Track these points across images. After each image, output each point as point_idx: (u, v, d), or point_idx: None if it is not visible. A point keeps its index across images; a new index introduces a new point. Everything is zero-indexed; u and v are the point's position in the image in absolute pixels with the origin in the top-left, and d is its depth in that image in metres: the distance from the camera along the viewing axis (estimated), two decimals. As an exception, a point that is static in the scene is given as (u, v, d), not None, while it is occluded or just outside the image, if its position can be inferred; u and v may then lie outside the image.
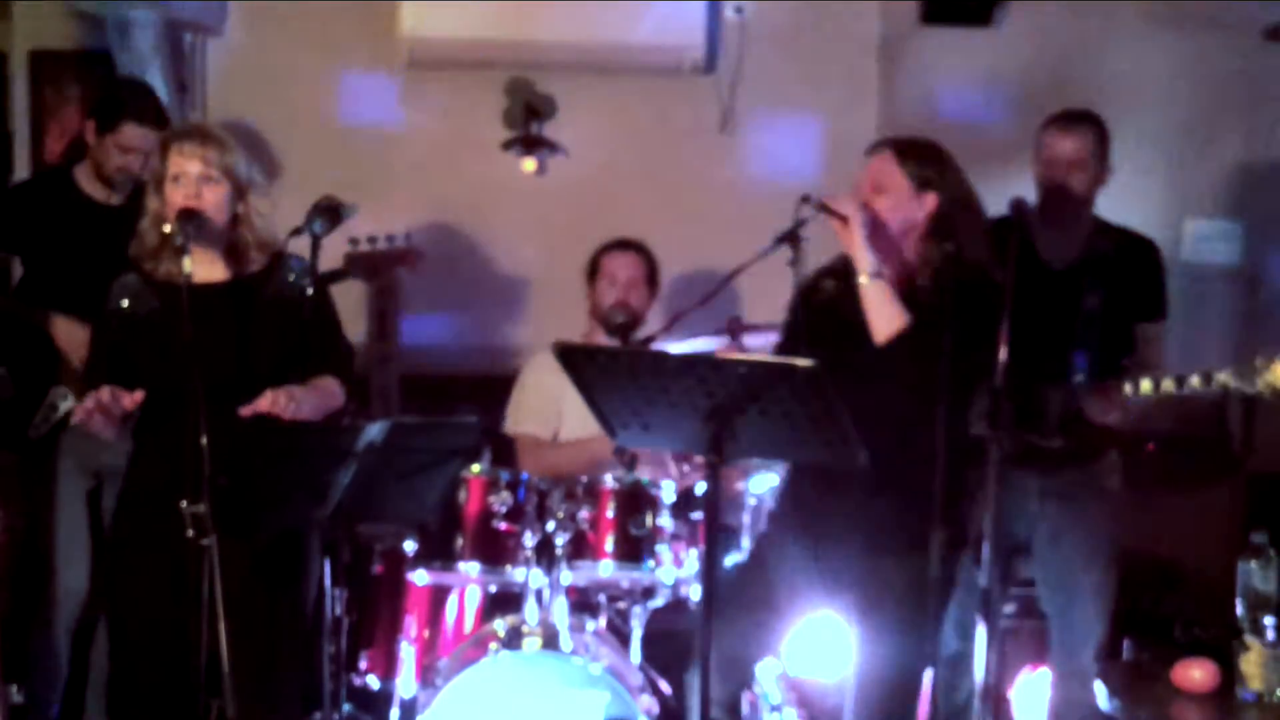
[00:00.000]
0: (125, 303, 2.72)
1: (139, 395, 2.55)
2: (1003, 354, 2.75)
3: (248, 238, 2.75)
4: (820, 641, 3.27)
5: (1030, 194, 3.13)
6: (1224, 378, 2.76)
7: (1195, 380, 2.82)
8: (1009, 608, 3.41)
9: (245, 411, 2.57)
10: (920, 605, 2.69)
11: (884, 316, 2.59)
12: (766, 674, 3.14)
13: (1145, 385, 2.91)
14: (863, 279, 2.61)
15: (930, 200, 2.67)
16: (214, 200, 2.67)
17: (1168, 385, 2.87)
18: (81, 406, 2.55)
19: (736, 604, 2.72)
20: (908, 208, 2.67)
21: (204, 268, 2.68)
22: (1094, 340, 3.08)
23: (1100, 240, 3.15)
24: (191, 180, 2.65)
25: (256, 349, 2.70)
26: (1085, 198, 3.14)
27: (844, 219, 2.62)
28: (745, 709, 2.91)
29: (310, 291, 2.78)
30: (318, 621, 2.74)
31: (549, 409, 3.59)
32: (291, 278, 2.79)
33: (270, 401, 2.59)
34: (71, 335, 3.22)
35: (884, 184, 2.68)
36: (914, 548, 2.65)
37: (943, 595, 2.75)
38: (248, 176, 2.74)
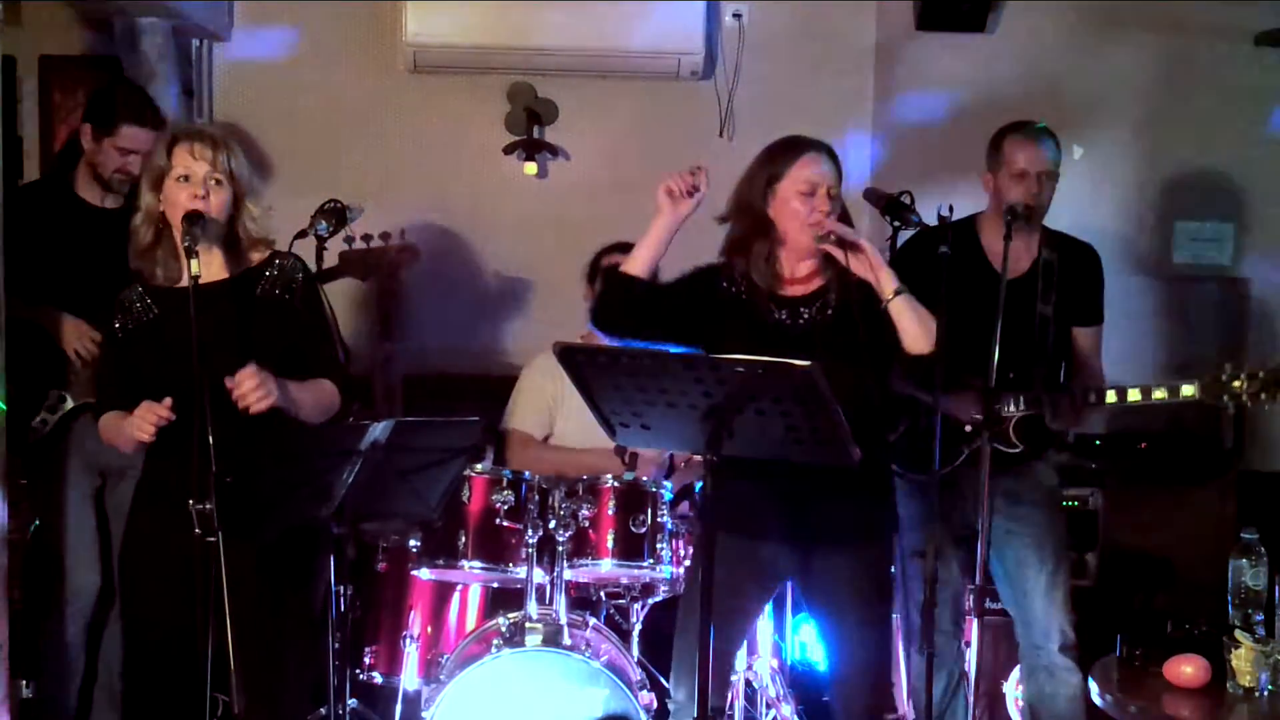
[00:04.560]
0: (129, 314, 2.74)
1: (167, 403, 2.57)
2: (995, 355, 2.82)
3: (243, 239, 2.77)
4: (816, 635, 3.31)
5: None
6: (1190, 390, 2.82)
7: (1160, 393, 2.87)
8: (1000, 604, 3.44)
9: (230, 383, 2.56)
10: (878, 595, 2.75)
11: (924, 329, 2.62)
12: (763, 667, 3.19)
13: (1110, 396, 2.96)
14: (890, 297, 2.62)
15: (838, 204, 2.74)
16: (218, 202, 2.69)
17: (1134, 395, 2.92)
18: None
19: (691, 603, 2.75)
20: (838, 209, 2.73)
21: (204, 267, 2.66)
22: (1048, 346, 3.12)
23: (1048, 248, 3.18)
24: (199, 180, 2.67)
25: (257, 345, 2.70)
26: (1048, 207, 3.18)
27: (857, 246, 2.64)
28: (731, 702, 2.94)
29: (302, 288, 2.81)
30: (324, 617, 2.78)
31: (543, 410, 3.63)
32: (285, 275, 2.81)
33: (247, 376, 2.58)
34: (77, 334, 3.25)
35: (835, 190, 2.72)
36: (863, 540, 2.71)
37: (889, 586, 2.82)
38: (248, 181, 2.76)
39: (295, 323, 2.80)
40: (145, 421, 2.58)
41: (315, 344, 2.85)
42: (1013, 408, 3.07)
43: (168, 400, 2.57)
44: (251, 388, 2.57)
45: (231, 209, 2.73)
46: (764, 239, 2.74)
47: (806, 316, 2.72)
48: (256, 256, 2.80)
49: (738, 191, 2.80)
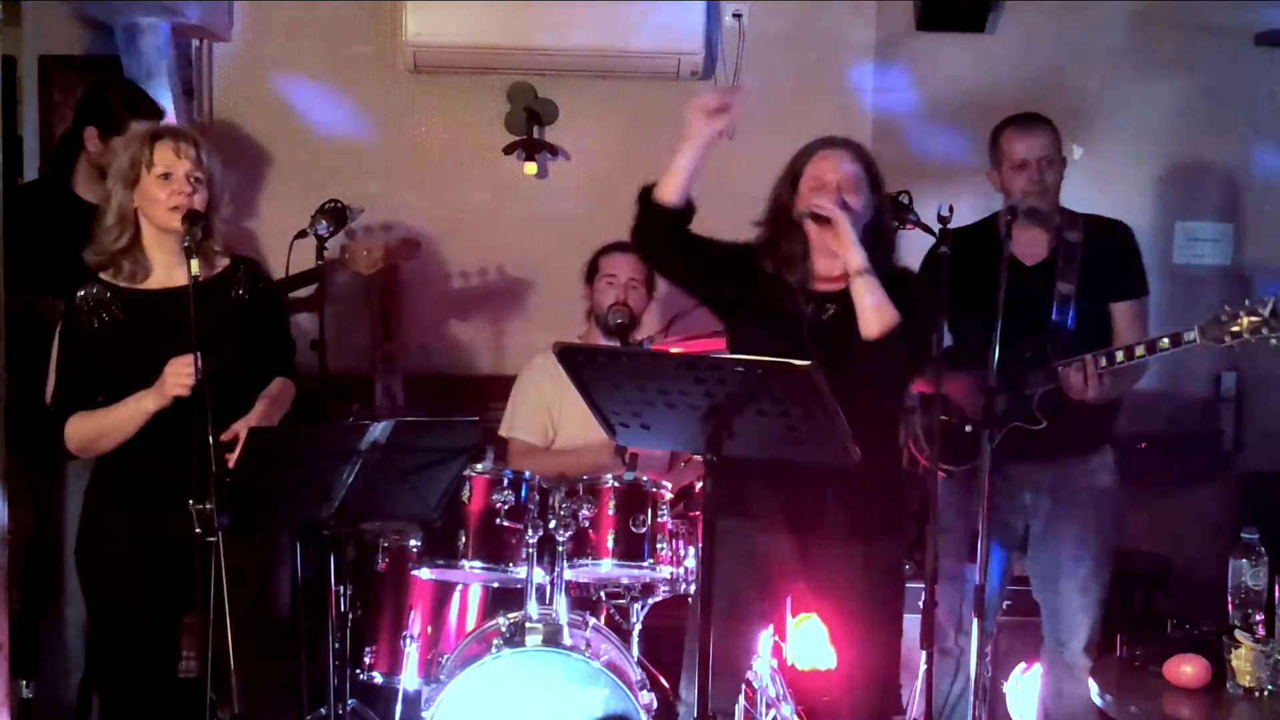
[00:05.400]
0: (92, 315, 2.72)
1: (189, 357, 2.55)
2: (995, 352, 2.82)
3: (213, 243, 2.77)
4: (816, 635, 3.31)
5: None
6: (1192, 335, 2.83)
7: (1165, 342, 2.89)
8: (1004, 603, 3.44)
9: (226, 437, 2.59)
10: (884, 592, 2.73)
11: (878, 312, 2.63)
12: (763, 668, 3.18)
13: (1119, 355, 2.97)
14: (853, 275, 2.65)
15: (876, 199, 2.75)
16: (199, 202, 2.69)
17: (1139, 351, 2.93)
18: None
19: (748, 603, 2.77)
20: (868, 207, 2.74)
21: (178, 270, 2.69)
22: (1068, 323, 3.13)
23: (1069, 230, 3.19)
24: (181, 179, 2.67)
25: (226, 350, 2.71)
26: (1057, 192, 3.19)
27: (829, 220, 2.67)
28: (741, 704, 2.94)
29: (266, 291, 2.84)
30: (323, 617, 2.78)
31: (543, 416, 3.62)
32: (252, 278, 2.83)
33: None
34: None
35: (854, 184, 2.74)
36: (868, 535, 2.70)
37: (898, 584, 2.80)
38: (221, 184, 2.76)
39: (263, 324, 2.82)
40: (181, 376, 2.55)
41: (280, 347, 2.89)
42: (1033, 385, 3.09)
43: (188, 355, 2.55)
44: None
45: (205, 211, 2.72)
46: (790, 238, 2.77)
47: (832, 311, 2.74)
48: (221, 261, 2.80)
49: (771, 192, 2.85)
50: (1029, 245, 3.21)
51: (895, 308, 2.63)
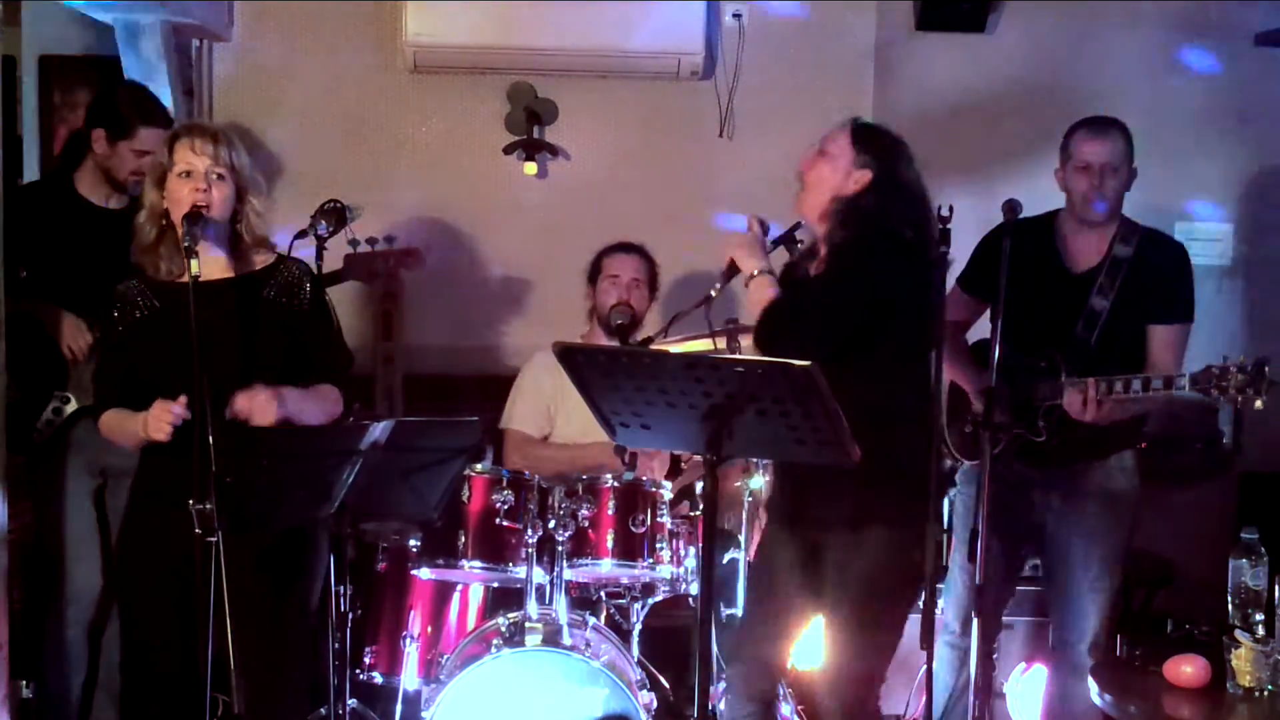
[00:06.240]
0: (128, 308, 2.75)
1: (182, 401, 2.57)
2: (996, 352, 2.82)
3: (247, 236, 2.77)
4: (816, 635, 3.30)
5: (1023, 195, 3.16)
6: (1183, 382, 2.84)
7: (1158, 383, 2.90)
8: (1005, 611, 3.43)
9: (229, 414, 2.59)
10: (861, 591, 2.68)
11: (759, 303, 2.70)
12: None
13: (1118, 385, 2.97)
14: (750, 279, 2.74)
15: (862, 178, 2.73)
16: (220, 197, 2.69)
17: (1136, 385, 2.93)
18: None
19: (756, 605, 2.77)
20: (840, 178, 2.75)
21: (207, 265, 2.69)
22: (1091, 340, 3.12)
23: (1123, 243, 3.17)
24: (200, 176, 2.68)
25: (260, 347, 2.72)
26: (1118, 201, 3.17)
27: (733, 264, 2.77)
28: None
29: (310, 294, 2.82)
30: (323, 617, 2.78)
31: (542, 410, 3.64)
32: (292, 280, 2.82)
33: (246, 401, 2.61)
34: (75, 333, 3.26)
35: (829, 150, 2.76)
36: (851, 529, 2.66)
37: (884, 582, 2.76)
38: (249, 175, 2.77)
39: (302, 328, 2.80)
40: (162, 421, 2.58)
41: (322, 350, 2.86)
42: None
43: (183, 399, 2.56)
44: (249, 413, 2.60)
45: (234, 204, 2.74)
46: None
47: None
48: (260, 259, 2.81)
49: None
50: (1083, 251, 3.19)
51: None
